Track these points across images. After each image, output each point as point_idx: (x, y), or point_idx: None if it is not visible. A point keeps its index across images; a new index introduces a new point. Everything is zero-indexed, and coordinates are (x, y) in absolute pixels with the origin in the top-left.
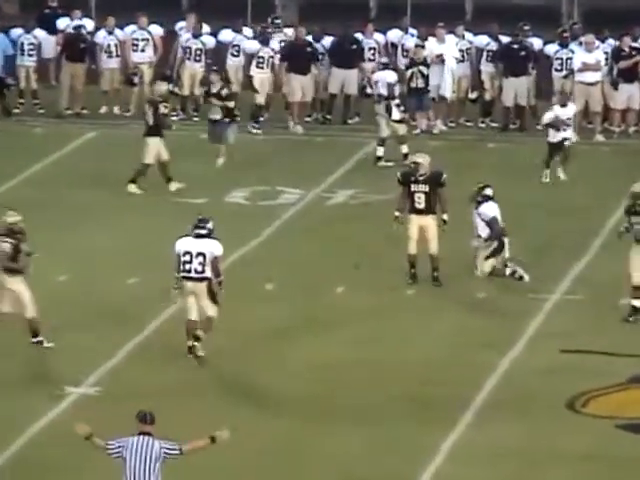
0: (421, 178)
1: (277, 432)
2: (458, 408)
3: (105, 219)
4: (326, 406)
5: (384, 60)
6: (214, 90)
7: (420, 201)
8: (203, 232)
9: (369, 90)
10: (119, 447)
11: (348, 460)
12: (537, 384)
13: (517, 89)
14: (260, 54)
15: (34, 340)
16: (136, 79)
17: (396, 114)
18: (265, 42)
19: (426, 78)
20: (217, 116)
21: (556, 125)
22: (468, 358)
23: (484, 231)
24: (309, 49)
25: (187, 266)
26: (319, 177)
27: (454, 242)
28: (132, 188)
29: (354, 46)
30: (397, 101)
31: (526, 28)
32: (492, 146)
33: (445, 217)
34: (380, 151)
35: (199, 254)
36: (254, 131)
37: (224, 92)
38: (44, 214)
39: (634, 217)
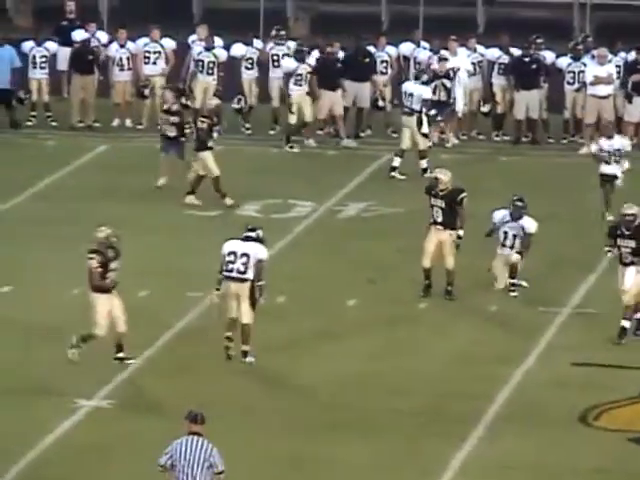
0: (440, 193)
1: (288, 443)
2: (470, 421)
3: (117, 232)
4: (337, 418)
5: (424, 78)
6: (165, 107)
7: (437, 215)
8: (252, 235)
9: (381, 103)
10: (170, 455)
11: (359, 472)
12: (549, 397)
13: (529, 102)
14: (298, 71)
15: (117, 356)
16: (147, 91)
17: (425, 128)
18: (302, 59)
19: (449, 91)
20: (172, 133)
21: (602, 159)
22: (480, 371)
23: (517, 242)
24: (339, 65)
25: (230, 266)
26: (331, 190)
27: (467, 256)
28: (228, 201)
29: (367, 59)
30: (433, 112)
31: (539, 41)
32: (504, 159)
33: (461, 233)
34: (397, 162)
35: (243, 255)
36: (292, 150)
37: (174, 107)
38: (55, 227)
39: (621, 240)
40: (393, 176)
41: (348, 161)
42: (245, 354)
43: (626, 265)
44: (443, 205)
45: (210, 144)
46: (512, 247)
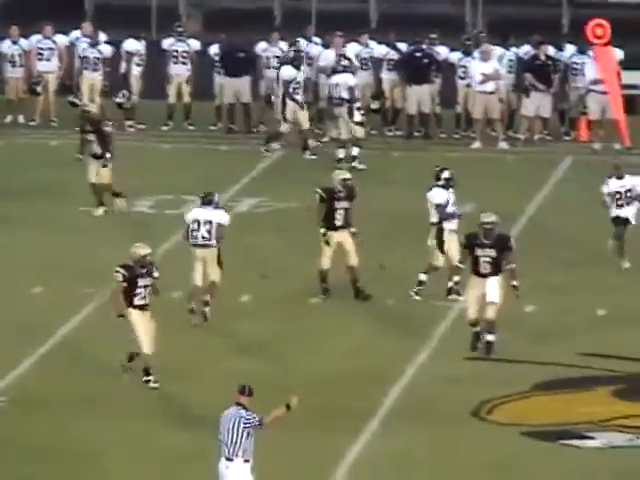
0: (342, 195)
1: (183, 441)
2: (364, 416)
3: (10, 229)
4: None
5: (344, 63)
6: None
7: (340, 217)
8: (211, 199)
9: (274, 99)
10: (219, 425)
11: (255, 466)
12: (442, 392)
13: (420, 97)
14: (297, 79)
15: (145, 379)
16: (39, 88)
17: (357, 116)
18: (298, 67)
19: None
20: None
21: (606, 204)
22: (374, 365)
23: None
24: None
25: (194, 234)
26: (224, 186)
27: (362, 251)
28: (96, 212)
29: (242, 54)
30: (358, 104)
31: (432, 36)
32: (396, 155)
33: (354, 230)
34: (341, 153)
35: (207, 222)
36: (309, 157)
37: None
38: None
39: (480, 249)
40: (354, 167)
41: (241, 157)
42: (206, 303)
43: (483, 276)
44: (347, 205)
45: (96, 152)
46: (460, 216)
